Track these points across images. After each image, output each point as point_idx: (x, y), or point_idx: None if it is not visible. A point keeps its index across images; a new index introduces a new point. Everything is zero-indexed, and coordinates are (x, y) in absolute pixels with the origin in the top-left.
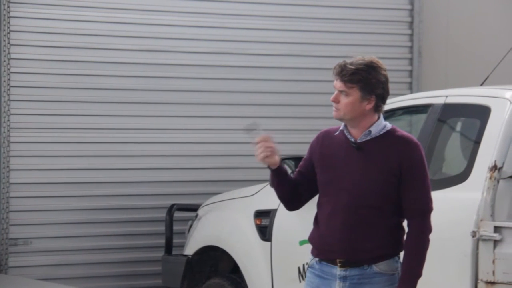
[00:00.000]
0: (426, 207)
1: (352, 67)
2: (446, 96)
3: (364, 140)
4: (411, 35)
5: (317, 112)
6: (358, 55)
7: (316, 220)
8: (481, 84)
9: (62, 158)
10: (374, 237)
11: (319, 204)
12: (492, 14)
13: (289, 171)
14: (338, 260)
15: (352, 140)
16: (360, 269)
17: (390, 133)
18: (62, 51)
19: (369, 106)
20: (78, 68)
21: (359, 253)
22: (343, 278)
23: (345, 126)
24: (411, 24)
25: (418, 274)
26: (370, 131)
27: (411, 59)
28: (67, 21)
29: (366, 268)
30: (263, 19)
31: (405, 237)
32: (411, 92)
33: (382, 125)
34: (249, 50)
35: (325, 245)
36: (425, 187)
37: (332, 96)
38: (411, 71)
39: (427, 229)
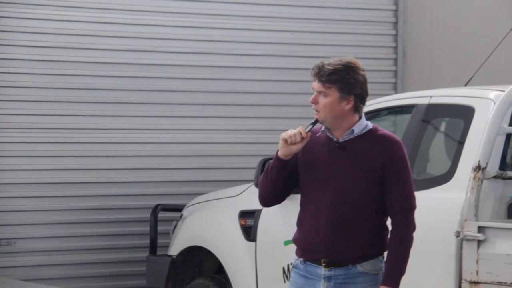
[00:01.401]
0: (409, 205)
1: (330, 67)
2: (430, 97)
3: (346, 139)
4: (396, 35)
5: (303, 112)
6: (340, 56)
7: (300, 221)
8: (465, 85)
9: (45, 159)
10: (358, 236)
11: (302, 204)
12: (476, 15)
13: None
14: (322, 260)
15: (335, 139)
16: (344, 269)
17: (372, 132)
18: (50, 51)
19: (348, 106)
20: (64, 68)
21: (343, 252)
22: (328, 278)
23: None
24: (395, 24)
25: (402, 272)
26: (353, 131)
27: (395, 60)
28: (55, 21)
29: (350, 268)
30: (249, 20)
31: (388, 235)
32: (396, 93)
33: (364, 124)
34: (234, 50)
35: (310, 245)
36: (408, 185)
37: (311, 98)
38: (395, 72)
39: (411, 226)
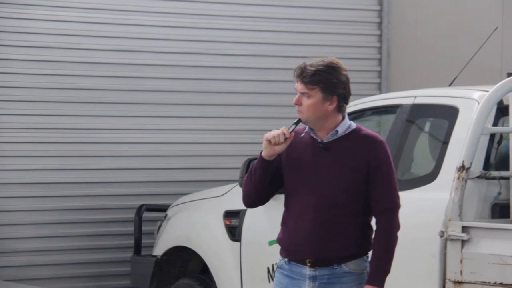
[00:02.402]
0: (394, 204)
1: (312, 68)
2: (415, 97)
3: (330, 139)
4: (380, 35)
5: (287, 112)
6: (323, 56)
7: (284, 221)
8: (450, 85)
9: (26, 159)
10: (344, 236)
11: (286, 204)
12: (460, 15)
13: None
14: (307, 260)
15: (319, 140)
16: (329, 269)
17: (356, 132)
18: (42, 51)
19: (331, 106)
20: (51, 68)
21: (328, 252)
22: (313, 278)
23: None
24: (380, 25)
25: (387, 271)
26: (337, 131)
27: (380, 60)
28: (52, 22)
29: (335, 267)
30: (235, 20)
31: (373, 235)
32: (380, 93)
33: (347, 124)
34: (220, 50)
35: (295, 245)
36: (392, 184)
37: (294, 99)
38: (380, 72)
39: (395, 226)
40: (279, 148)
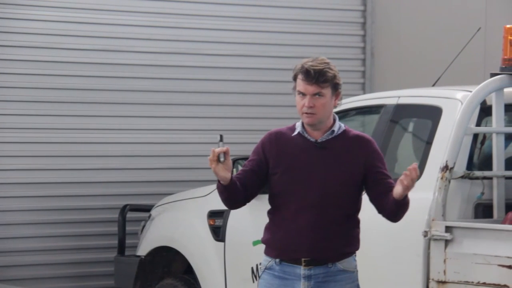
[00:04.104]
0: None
1: (320, 67)
2: (399, 97)
3: (325, 139)
4: (364, 36)
5: (272, 112)
6: (306, 56)
7: (274, 221)
8: (433, 85)
9: (10, 159)
10: (338, 235)
11: (278, 205)
12: (444, 15)
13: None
14: (303, 259)
15: (313, 140)
16: (324, 267)
17: (346, 133)
18: (29, 51)
19: (336, 101)
20: (36, 68)
21: (324, 251)
22: (308, 277)
23: (303, 127)
24: (363, 25)
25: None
26: (333, 131)
27: (363, 60)
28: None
29: (330, 266)
30: (218, 20)
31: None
32: (364, 93)
33: (338, 124)
34: (203, 50)
35: (289, 245)
36: (389, 176)
37: (308, 102)
38: (363, 72)
39: None
40: (223, 167)
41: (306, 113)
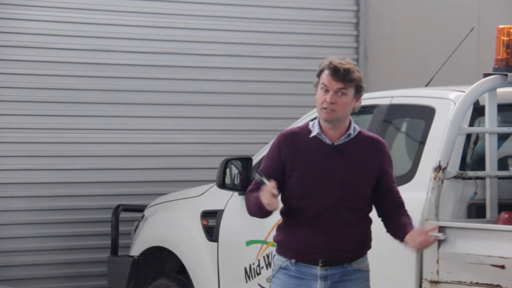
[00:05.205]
0: (403, 200)
1: (348, 66)
2: (392, 97)
3: (342, 142)
4: (357, 36)
5: (264, 112)
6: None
7: (289, 223)
8: (426, 85)
9: (3, 159)
10: (356, 237)
11: (296, 208)
12: (437, 16)
13: (235, 171)
14: (320, 260)
15: (329, 143)
16: (340, 267)
17: (361, 135)
18: (20, 51)
19: (356, 103)
20: (27, 68)
21: (341, 253)
22: (324, 278)
23: (320, 128)
24: (357, 25)
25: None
26: (349, 134)
27: (357, 60)
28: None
29: (346, 266)
30: (210, 20)
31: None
32: None
33: (353, 126)
34: (196, 50)
35: (306, 247)
36: (395, 181)
37: (329, 97)
38: None
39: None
40: (275, 204)
41: (326, 108)
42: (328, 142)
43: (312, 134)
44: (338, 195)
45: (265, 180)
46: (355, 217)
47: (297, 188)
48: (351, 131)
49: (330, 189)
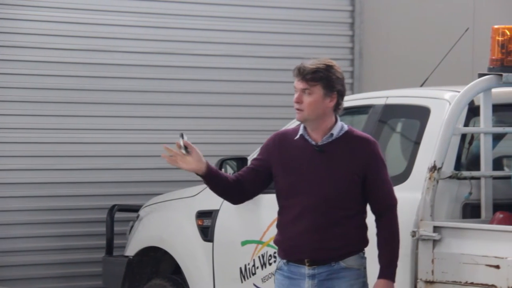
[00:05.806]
0: (394, 201)
1: (313, 66)
2: (387, 97)
3: (325, 142)
4: (352, 36)
5: (259, 113)
6: (302, 56)
7: (281, 223)
8: (421, 85)
9: None
10: (341, 236)
11: (283, 207)
12: (432, 16)
13: (231, 171)
14: (306, 259)
15: (313, 143)
16: (327, 266)
17: (349, 134)
18: (16, 51)
19: (331, 103)
20: (24, 68)
21: (327, 252)
22: (312, 276)
23: (305, 129)
24: (352, 25)
25: (396, 265)
26: (332, 134)
27: (352, 60)
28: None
29: (333, 264)
30: (206, 20)
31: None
32: (353, 93)
33: (340, 126)
34: (191, 50)
35: (293, 246)
36: (389, 182)
37: (295, 97)
38: (352, 72)
39: (397, 221)
40: (190, 160)
41: (295, 109)
42: (312, 142)
43: (298, 135)
44: (321, 195)
45: (181, 140)
46: (341, 216)
47: (283, 187)
48: (333, 131)
49: (313, 188)
